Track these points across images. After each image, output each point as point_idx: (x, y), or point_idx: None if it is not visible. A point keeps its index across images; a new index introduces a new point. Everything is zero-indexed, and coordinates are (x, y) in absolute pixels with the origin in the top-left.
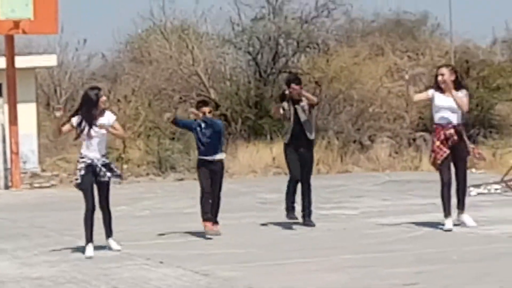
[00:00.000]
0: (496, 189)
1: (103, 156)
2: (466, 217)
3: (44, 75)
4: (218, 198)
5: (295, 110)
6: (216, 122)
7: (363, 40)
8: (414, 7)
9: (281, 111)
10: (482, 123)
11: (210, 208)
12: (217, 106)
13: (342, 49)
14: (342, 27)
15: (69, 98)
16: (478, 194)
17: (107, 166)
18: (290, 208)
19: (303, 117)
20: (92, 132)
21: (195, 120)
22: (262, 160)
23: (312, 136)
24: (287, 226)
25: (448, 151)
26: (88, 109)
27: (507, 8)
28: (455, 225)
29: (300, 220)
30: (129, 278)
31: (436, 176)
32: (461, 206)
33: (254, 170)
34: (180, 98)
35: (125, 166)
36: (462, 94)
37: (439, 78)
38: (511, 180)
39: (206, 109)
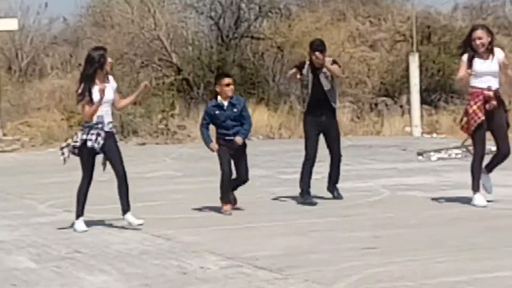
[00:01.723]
0: (457, 154)
1: (109, 123)
2: (486, 180)
3: (5, 39)
4: (247, 179)
5: (318, 76)
6: (241, 101)
7: (325, 5)
8: None
9: (298, 76)
10: (444, 88)
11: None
12: (179, 71)
13: (304, 14)
14: None
15: (30, 62)
16: (439, 159)
17: (110, 134)
18: (306, 192)
19: (326, 84)
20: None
21: (206, 105)
22: None
23: (336, 105)
24: (249, 190)
25: (483, 117)
26: (92, 71)
27: None
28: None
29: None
30: (90, 242)
31: (396, 141)
32: (489, 168)
33: None
34: (142, 62)
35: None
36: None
37: (477, 42)
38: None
39: (229, 80)
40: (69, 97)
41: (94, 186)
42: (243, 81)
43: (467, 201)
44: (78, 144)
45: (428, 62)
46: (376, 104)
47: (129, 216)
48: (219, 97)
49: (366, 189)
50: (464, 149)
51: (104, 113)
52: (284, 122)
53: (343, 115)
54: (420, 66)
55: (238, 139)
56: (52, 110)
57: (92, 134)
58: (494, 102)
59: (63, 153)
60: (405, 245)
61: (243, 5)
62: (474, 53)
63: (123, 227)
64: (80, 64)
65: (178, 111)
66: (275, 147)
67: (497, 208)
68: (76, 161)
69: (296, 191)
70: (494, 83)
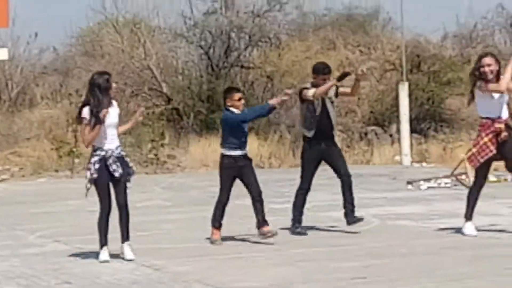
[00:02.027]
0: (446, 183)
1: (117, 147)
2: None
3: None
4: (260, 192)
5: (324, 101)
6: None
7: (315, 34)
8: (366, 1)
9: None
10: (433, 117)
11: (254, 208)
12: (169, 100)
13: (294, 43)
14: (294, 21)
15: (20, 92)
16: (428, 188)
17: (121, 159)
18: (297, 220)
19: (331, 110)
20: (107, 122)
21: (227, 115)
22: (214, 154)
23: (336, 133)
24: (238, 220)
25: (494, 151)
26: (98, 96)
27: (458, 2)
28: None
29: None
30: (80, 273)
31: (386, 170)
32: None
33: (206, 164)
34: (132, 92)
35: (76, 161)
36: None
37: (486, 69)
38: (461, 174)
39: (240, 94)
40: (59, 126)
41: (82, 216)
42: None
43: (456, 230)
44: (95, 175)
45: (418, 91)
46: (366, 133)
47: (126, 246)
48: (232, 109)
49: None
50: (454, 178)
51: (112, 137)
52: (274, 151)
53: None
54: (410, 95)
55: (274, 100)
56: (42, 140)
57: (111, 164)
58: (505, 134)
59: (87, 187)
60: (394, 275)
61: (233, 35)
62: (482, 81)
63: (112, 257)
64: (70, 94)
65: (168, 141)
66: (265, 176)
67: (486, 237)
68: (64, 191)
69: (286, 221)
70: (504, 113)
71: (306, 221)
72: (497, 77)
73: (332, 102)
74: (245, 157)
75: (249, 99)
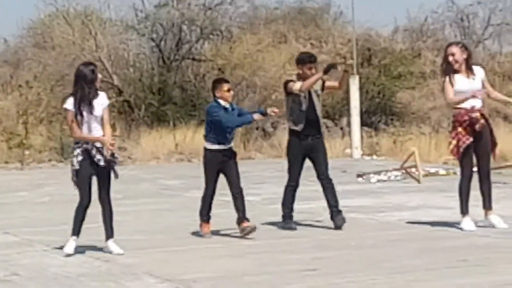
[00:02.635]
0: (396, 176)
1: None
2: (494, 218)
3: None
4: (240, 189)
5: (310, 94)
6: (235, 106)
7: (266, 27)
8: None
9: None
10: (384, 110)
11: (234, 203)
12: (120, 92)
13: (245, 36)
14: (246, 14)
15: None
16: (378, 181)
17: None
18: (288, 216)
19: (317, 103)
20: (91, 114)
21: (212, 106)
22: (165, 147)
23: (323, 127)
24: (188, 212)
25: (471, 139)
26: (84, 87)
27: None
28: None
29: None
30: (28, 264)
31: (337, 163)
32: (487, 204)
33: (157, 156)
34: None
35: (26, 152)
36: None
37: (450, 59)
38: (411, 167)
39: (229, 85)
40: (9, 118)
41: (32, 208)
42: (184, 103)
43: (405, 222)
44: (77, 167)
45: (369, 85)
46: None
47: (111, 242)
48: (220, 101)
49: (307, 210)
50: (403, 171)
51: (95, 129)
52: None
53: (284, 136)
54: (361, 88)
55: (258, 116)
56: None
57: (95, 154)
58: (482, 122)
59: (73, 180)
60: (344, 267)
61: (184, 27)
62: (454, 72)
63: (60, 249)
64: (20, 85)
65: (119, 133)
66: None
67: (435, 230)
68: (14, 182)
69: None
70: (478, 102)
71: (257, 213)
72: (467, 66)
73: (318, 95)
74: (230, 151)
75: (200, 91)
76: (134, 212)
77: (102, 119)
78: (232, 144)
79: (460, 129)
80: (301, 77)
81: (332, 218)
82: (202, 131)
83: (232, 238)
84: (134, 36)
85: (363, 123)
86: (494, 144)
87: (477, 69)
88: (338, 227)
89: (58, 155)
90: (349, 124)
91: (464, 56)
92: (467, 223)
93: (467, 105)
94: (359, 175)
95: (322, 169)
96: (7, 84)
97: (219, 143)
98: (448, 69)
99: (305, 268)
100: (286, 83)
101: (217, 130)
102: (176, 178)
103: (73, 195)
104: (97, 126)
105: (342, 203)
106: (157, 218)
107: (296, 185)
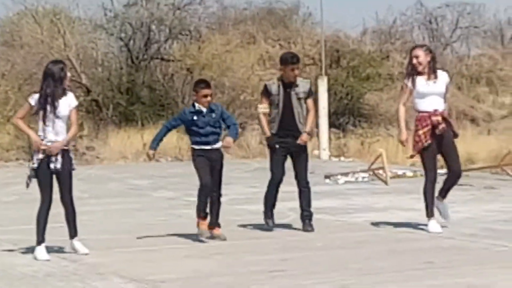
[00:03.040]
0: (364, 178)
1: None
2: (441, 206)
3: None
4: (220, 194)
5: (289, 95)
6: (218, 105)
7: (235, 28)
8: None
9: (272, 89)
10: (352, 112)
11: (210, 207)
12: (88, 92)
13: (214, 37)
14: (215, 14)
15: None
16: (346, 182)
17: (67, 152)
18: (269, 215)
19: (296, 106)
20: (56, 113)
21: (183, 111)
22: (133, 146)
23: (304, 129)
24: (156, 212)
25: (430, 141)
26: (52, 85)
27: None
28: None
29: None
30: None
31: None
32: (442, 194)
33: (125, 156)
34: None
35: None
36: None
37: (414, 61)
38: (378, 169)
39: (208, 91)
40: None
41: (0, 207)
42: (152, 102)
43: (372, 224)
44: (35, 165)
45: (337, 86)
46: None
47: (76, 242)
48: (196, 104)
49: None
50: (371, 173)
51: (59, 129)
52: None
53: (252, 137)
54: (329, 89)
55: (229, 140)
56: None
57: (52, 156)
58: (443, 126)
59: (29, 177)
60: (312, 268)
61: (153, 27)
62: (416, 74)
63: (27, 249)
64: None
65: (87, 132)
66: (183, 169)
67: (401, 231)
68: None
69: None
70: (440, 105)
71: (222, 213)
72: (430, 69)
73: (299, 99)
74: (215, 151)
75: (169, 91)
76: (101, 211)
77: (69, 119)
78: (217, 145)
79: (420, 132)
80: (281, 78)
81: (302, 220)
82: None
83: (197, 239)
84: (103, 35)
85: (331, 125)
86: (455, 136)
87: (441, 73)
88: (306, 231)
89: (25, 153)
90: (317, 125)
91: (428, 59)
92: (433, 225)
93: (429, 107)
94: (326, 176)
95: (301, 171)
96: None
97: (198, 143)
98: (412, 71)
99: (273, 269)
100: (265, 87)
101: (190, 132)
102: (144, 178)
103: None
104: (63, 126)
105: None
106: (125, 217)
107: (279, 182)
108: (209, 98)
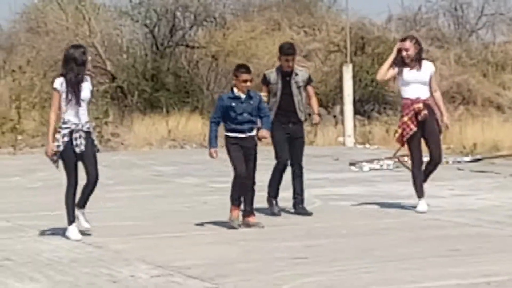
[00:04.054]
0: (389, 165)
1: (86, 122)
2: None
3: None
4: (253, 182)
5: (289, 84)
6: (257, 93)
7: (260, 14)
8: None
9: (271, 78)
10: (377, 99)
11: (245, 195)
12: (113, 78)
13: (239, 23)
14: (239, 1)
15: None
16: (371, 169)
17: (88, 134)
18: (273, 202)
19: (297, 94)
20: (80, 96)
21: (220, 98)
22: (158, 133)
23: (303, 117)
24: (181, 199)
25: (415, 129)
26: (73, 69)
27: None
28: (413, 207)
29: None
30: (21, 250)
31: (329, 151)
32: (424, 178)
33: (150, 142)
34: None
35: (19, 137)
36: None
37: (404, 54)
38: (404, 156)
39: (248, 76)
40: (2, 103)
41: (25, 193)
42: (177, 89)
43: (397, 211)
44: (61, 148)
45: (362, 73)
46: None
47: (81, 214)
48: (235, 89)
49: None
50: (396, 160)
51: (82, 112)
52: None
53: None
54: (354, 76)
55: (265, 132)
56: None
57: (76, 138)
58: (425, 112)
59: (56, 162)
60: (335, 255)
61: (178, 14)
62: (403, 64)
63: (53, 235)
64: (13, 70)
65: (112, 119)
66: (208, 156)
67: (426, 218)
68: (6, 168)
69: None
70: (423, 93)
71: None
72: (416, 60)
73: (299, 87)
74: (250, 139)
75: (194, 78)
76: (126, 198)
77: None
78: (252, 133)
79: (406, 118)
80: (279, 68)
81: (294, 205)
82: (195, 117)
83: (222, 225)
84: (128, 22)
85: (356, 112)
86: (439, 128)
87: (426, 62)
88: (300, 214)
89: None
90: (342, 112)
91: (416, 50)
92: (422, 205)
93: (412, 95)
94: (351, 164)
95: (297, 156)
96: (0, 69)
97: (233, 131)
98: (399, 62)
99: (297, 256)
100: (264, 76)
101: (225, 118)
102: (168, 165)
103: (64, 179)
104: (84, 109)
105: (334, 191)
106: (150, 204)
107: (285, 165)
108: (248, 84)
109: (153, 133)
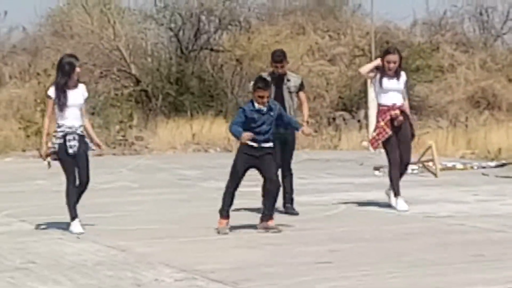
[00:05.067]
0: (413, 170)
1: (80, 126)
2: (391, 195)
3: None
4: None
5: (281, 89)
6: (276, 104)
7: (285, 18)
8: None
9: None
10: None
11: (266, 199)
12: (137, 82)
13: (264, 27)
14: (264, 5)
15: None
16: None
17: (82, 137)
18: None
19: (288, 99)
20: (68, 102)
21: (243, 109)
22: (182, 137)
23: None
24: (205, 202)
25: (390, 133)
26: (64, 77)
27: None
28: (390, 206)
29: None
30: (45, 252)
31: (353, 155)
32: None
33: (174, 146)
34: (101, 73)
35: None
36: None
37: (391, 66)
38: (428, 161)
39: (264, 93)
40: (27, 106)
41: (49, 196)
42: (201, 93)
43: (421, 216)
44: (56, 149)
45: None
46: (334, 118)
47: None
48: (255, 103)
49: (322, 203)
50: (421, 165)
51: (75, 117)
52: None
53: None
54: None
55: (306, 128)
56: (10, 120)
57: (70, 140)
58: (400, 118)
59: (48, 162)
60: (359, 260)
61: (203, 17)
62: (383, 73)
63: (77, 237)
64: (38, 74)
65: (136, 122)
66: (232, 160)
67: (451, 223)
68: (31, 171)
69: (252, 203)
70: (398, 100)
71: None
72: (396, 72)
73: (290, 92)
74: (260, 150)
75: (218, 82)
76: (150, 201)
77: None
78: (268, 144)
79: (382, 123)
80: (270, 73)
81: (284, 204)
82: (219, 121)
83: (246, 229)
84: (153, 25)
85: None
86: (412, 136)
87: (402, 73)
88: (290, 214)
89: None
90: (366, 116)
91: (398, 64)
92: (401, 203)
93: (389, 102)
94: (376, 168)
95: (287, 159)
96: (25, 72)
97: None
98: (381, 69)
99: (320, 260)
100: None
101: (245, 127)
102: (193, 168)
103: (90, 183)
104: (77, 113)
105: (358, 195)
106: (173, 208)
107: (278, 167)
108: (265, 100)
109: (177, 136)
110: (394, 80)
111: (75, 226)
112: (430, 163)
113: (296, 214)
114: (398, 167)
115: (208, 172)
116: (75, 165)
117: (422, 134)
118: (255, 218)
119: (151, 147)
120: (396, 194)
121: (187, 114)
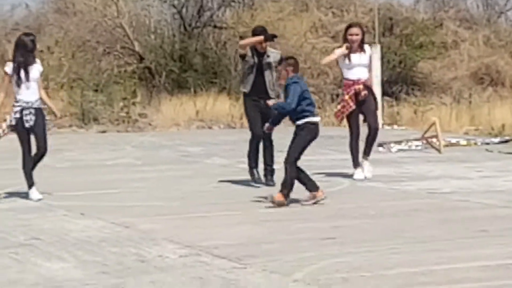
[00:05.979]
0: (417, 146)
1: (37, 100)
2: (367, 165)
3: None
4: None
5: (261, 63)
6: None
7: None
8: None
9: (248, 52)
10: (405, 80)
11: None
12: (141, 59)
13: (267, 4)
14: None
15: None
16: (399, 150)
17: (39, 110)
18: (254, 172)
19: (267, 73)
20: (29, 77)
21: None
22: (186, 114)
23: (273, 95)
24: (208, 179)
25: (354, 107)
26: (24, 54)
27: None
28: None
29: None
30: (49, 229)
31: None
32: (367, 151)
33: (177, 123)
34: (104, 50)
35: (47, 117)
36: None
37: (354, 38)
38: (432, 137)
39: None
40: None
41: (53, 173)
42: (205, 70)
43: (425, 192)
44: (13, 123)
45: (390, 54)
46: (337, 95)
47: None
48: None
49: (326, 179)
50: (424, 141)
51: (33, 91)
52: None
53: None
54: (382, 57)
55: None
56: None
57: (26, 115)
58: (365, 92)
59: (3, 131)
60: (363, 236)
61: None
62: (350, 50)
63: (81, 214)
64: (41, 51)
65: (140, 99)
66: (235, 137)
67: (454, 200)
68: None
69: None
70: (363, 75)
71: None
72: (359, 45)
73: (271, 68)
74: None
75: (221, 59)
76: (154, 178)
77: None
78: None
79: (347, 97)
80: (254, 47)
81: (265, 175)
82: (222, 98)
83: (249, 205)
84: (156, 2)
85: (384, 93)
86: (376, 107)
87: (366, 47)
88: (268, 185)
89: (78, 120)
90: None
91: (361, 37)
92: (358, 173)
93: (354, 76)
94: (379, 145)
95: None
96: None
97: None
98: (350, 49)
99: (324, 236)
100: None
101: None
102: (196, 145)
103: (94, 160)
104: (35, 87)
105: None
106: (177, 184)
107: (260, 139)
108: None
109: (181, 113)
110: (358, 55)
111: (33, 193)
112: (434, 139)
113: (273, 185)
114: (357, 139)
115: (212, 149)
116: (30, 137)
117: (426, 111)
118: (254, 195)
119: (154, 124)
120: (355, 165)
121: (190, 91)
